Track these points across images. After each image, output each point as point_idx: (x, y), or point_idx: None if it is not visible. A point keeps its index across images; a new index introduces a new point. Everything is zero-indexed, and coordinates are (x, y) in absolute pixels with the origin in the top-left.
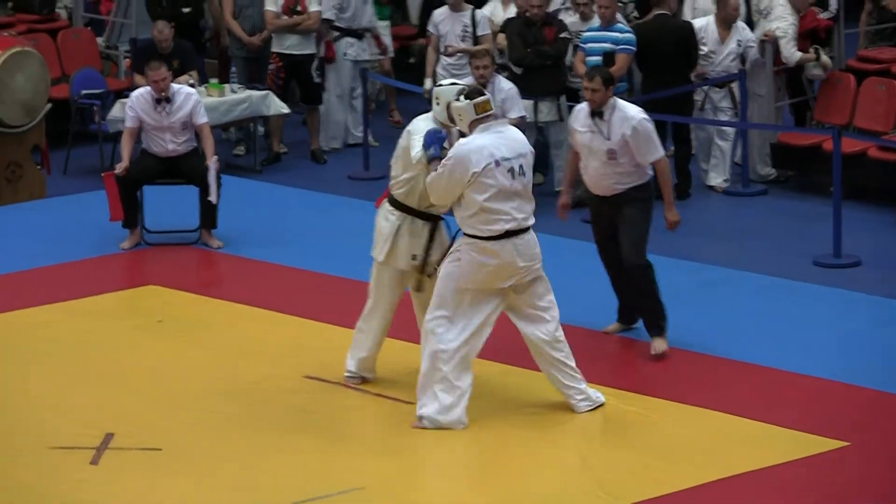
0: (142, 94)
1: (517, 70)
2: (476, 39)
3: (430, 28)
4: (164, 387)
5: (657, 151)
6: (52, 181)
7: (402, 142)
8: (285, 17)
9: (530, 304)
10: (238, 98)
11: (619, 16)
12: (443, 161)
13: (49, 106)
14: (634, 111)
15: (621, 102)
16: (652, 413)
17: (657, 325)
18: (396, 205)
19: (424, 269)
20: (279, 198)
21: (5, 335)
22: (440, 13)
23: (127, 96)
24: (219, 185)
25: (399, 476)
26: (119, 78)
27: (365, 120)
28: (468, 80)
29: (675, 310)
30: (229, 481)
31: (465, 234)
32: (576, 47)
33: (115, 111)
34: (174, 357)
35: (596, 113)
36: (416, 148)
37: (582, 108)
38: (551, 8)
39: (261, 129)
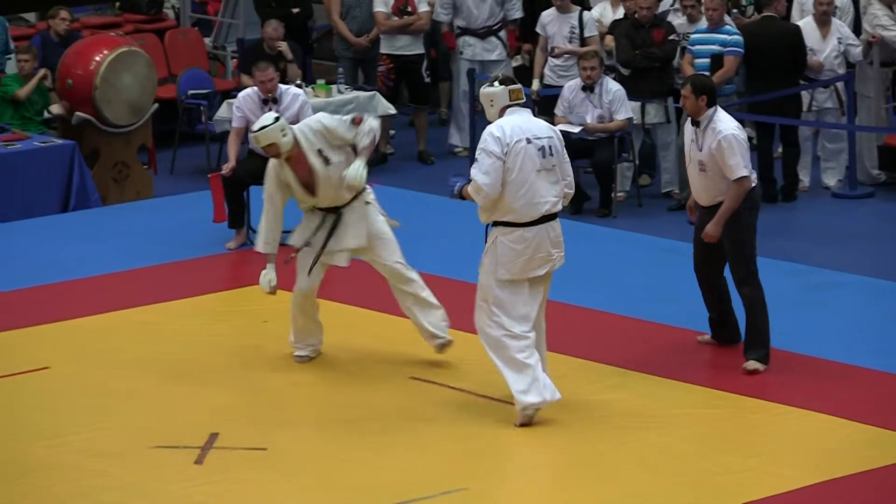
0: (249, 94)
1: (625, 72)
2: (583, 41)
3: (538, 29)
4: (269, 386)
5: (740, 170)
6: (159, 181)
7: None
8: (395, 18)
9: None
10: (345, 99)
11: (727, 18)
12: (478, 152)
13: (156, 106)
14: (727, 125)
15: (720, 114)
16: (753, 414)
17: (757, 350)
18: None
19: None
20: (385, 198)
21: (111, 335)
22: (548, 14)
23: (234, 97)
24: None
25: (502, 477)
26: (226, 78)
27: (471, 120)
28: (576, 82)
29: (781, 313)
30: (332, 481)
31: (496, 223)
32: (683, 49)
33: (222, 111)
34: (279, 358)
35: (695, 122)
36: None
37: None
38: (659, 9)
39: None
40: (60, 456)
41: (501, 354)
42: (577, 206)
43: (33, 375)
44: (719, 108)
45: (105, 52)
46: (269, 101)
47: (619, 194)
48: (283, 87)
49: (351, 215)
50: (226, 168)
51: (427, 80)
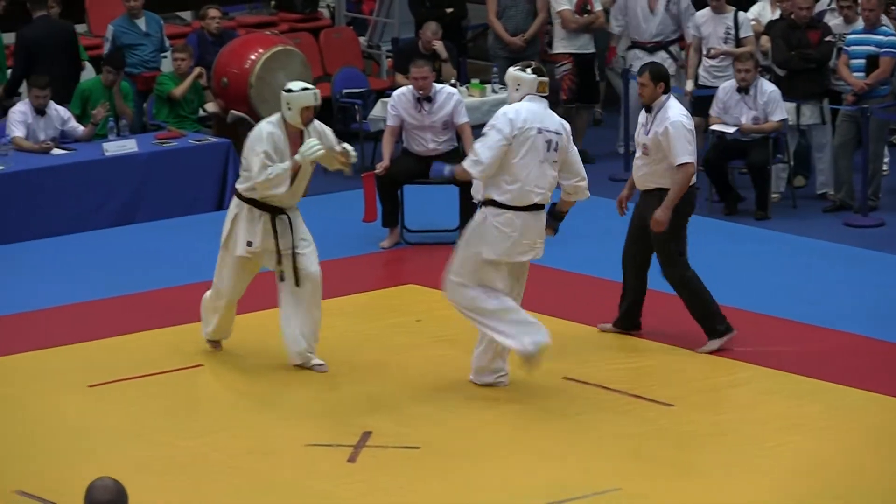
0: (404, 93)
1: (780, 72)
2: (738, 41)
3: (692, 30)
4: (422, 385)
5: (684, 156)
6: (314, 179)
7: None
8: (578, 17)
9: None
10: (499, 98)
11: (883, 18)
12: (487, 125)
13: None
14: (676, 112)
15: (672, 102)
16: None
17: (710, 329)
18: (238, 195)
19: (280, 261)
20: None
21: (265, 335)
22: (702, 15)
23: (388, 96)
24: None
25: (655, 477)
26: (381, 77)
27: (625, 122)
28: (730, 83)
29: None
30: (486, 480)
31: (488, 200)
32: (839, 50)
33: (377, 110)
34: (433, 356)
35: (648, 108)
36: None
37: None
38: (815, 10)
39: None
40: (212, 453)
41: (480, 310)
42: (731, 208)
43: (188, 372)
44: (672, 97)
45: (260, 50)
46: (424, 99)
47: (773, 195)
48: (437, 86)
49: (297, 219)
50: (380, 167)
51: (598, 79)
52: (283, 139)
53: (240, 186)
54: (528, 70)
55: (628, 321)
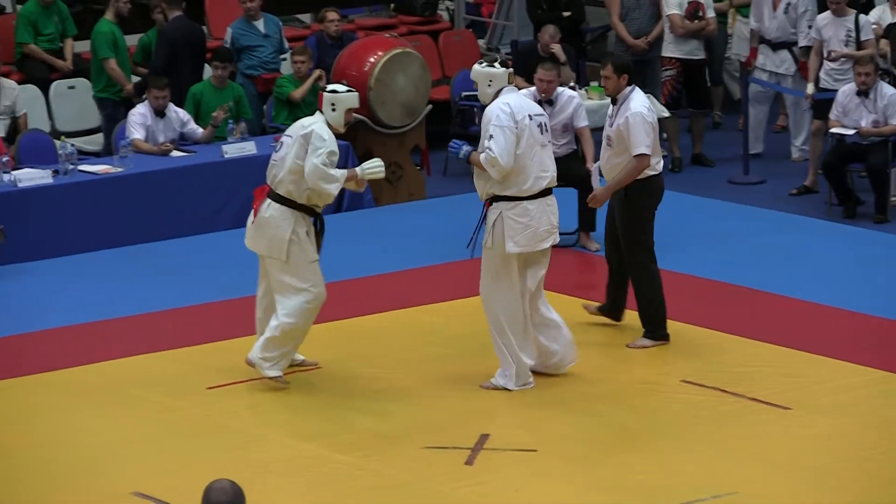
0: (525, 95)
1: None
2: (859, 44)
3: (813, 33)
4: (539, 388)
5: (640, 147)
6: (432, 182)
7: (293, 140)
8: (688, 22)
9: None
10: None
11: None
12: (492, 126)
13: (429, 107)
14: (638, 104)
15: (636, 93)
16: None
17: (651, 329)
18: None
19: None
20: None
21: (387, 334)
22: (823, 18)
23: None
24: None
25: (772, 481)
26: None
27: (745, 126)
28: (850, 87)
29: None
30: (602, 483)
31: (496, 196)
32: None
33: None
34: None
35: (613, 100)
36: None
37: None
38: None
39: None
40: (332, 455)
41: (514, 328)
42: (850, 211)
43: (306, 374)
44: (636, 88)
45: (379, 53)
46: (545, 102)
47: (893, 198)
48: (558, 89)
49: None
50: None
51: (708, 84)
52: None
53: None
54: (497, 64)
55: (613, 307)
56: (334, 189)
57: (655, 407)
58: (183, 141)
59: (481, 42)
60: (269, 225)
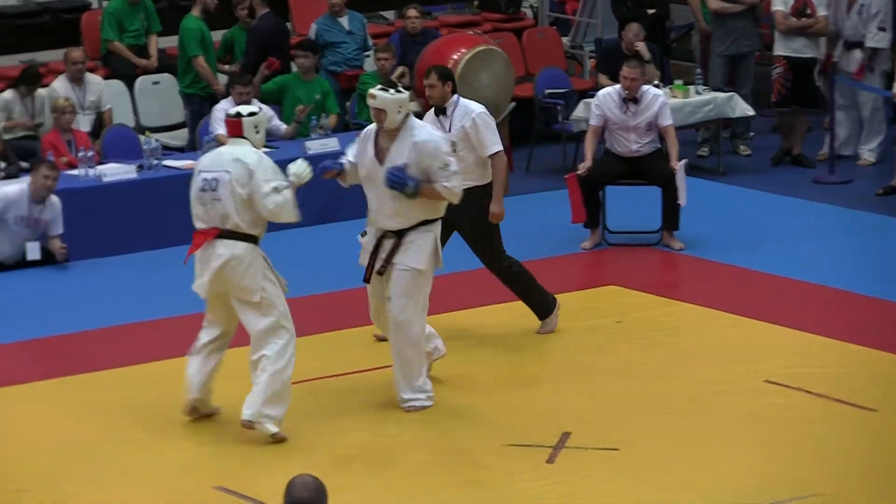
0: (609, 93)
1: None
2: None
3: None
4: (622, 387)
5: (496, 145)
6: (515, 179)
7: (230, 182)
8: (793, 19)
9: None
10: (703, 100)
11: None
12: (441, 153)
13: (513, 105)
14: (476, 106)
15: (464, 100)
16: None
17: (544, 309)
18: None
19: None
20: (742, 200)
21: (468, 330)
22: None
23: (591, 96)
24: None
25: (856, 483)
26: (583, 78)
27: (832, 126)
28: None
29: None
30: (684, 483)
31: (429, 221)
32: None
33: (579, 111)
34: (633, 358)
35: (440, 110)
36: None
37: (430, 112)
38: None
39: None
40: (413, 452)
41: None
42: None
43: (381, 373)
44: (459, 96)
45: (463, 50)
46: (630, 100)
47: None
48: (643, 87)
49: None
50: (582, 168)
51: (818, 83)
52: None
53: None
54: (392, 91)
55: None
56: (295, 214)
57: (738, 407)
58: (267, 137)
59: (565, 40)
60: (240, 265)
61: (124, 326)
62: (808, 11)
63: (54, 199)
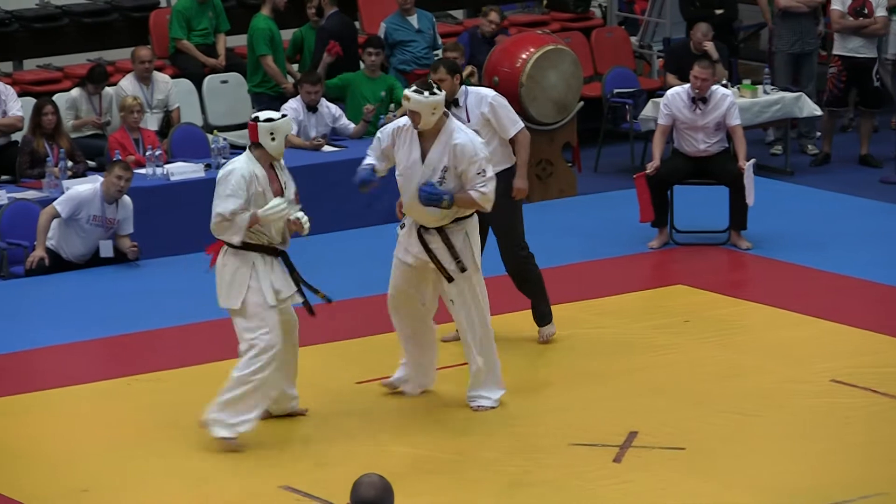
0: (678, 92)
1: None
2: None
3: None
4: (688, 386)
5: (518, 123)
6: (583, 179)
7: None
8: (850, 19)
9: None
10: (771, 99)
11: None
12: (478, 159)
13: (581, 104)
14: (487, 91)
15: (472, 87)
16: None
17: (544, 314)
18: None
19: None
20: (809, 200)
21: (521, 333)
22: None
23: (659, 96)
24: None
25: None
26: (651, 77)
27: None
28: None
29: None
30: (751, 482)
31: (461, 217)
32: None
33: (647, 110)
34: (700, 357)
35: (450, 103)
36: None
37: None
38: None
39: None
40: (480, 452)
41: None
42: None
43: (455, 370)
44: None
45: (531, 49)
46: (699, 99)
47: None
48: (712, 87)
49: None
50: (650, 167)
51: (876, 84)
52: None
53: None
54: (433, 91)
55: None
56: (235, 238)
57: (804, 407)
58: (335, 136)
59: (633, 39)
60: (226, 272)
61: (193, 325)
62: (866, 11)
63: (126, 199)
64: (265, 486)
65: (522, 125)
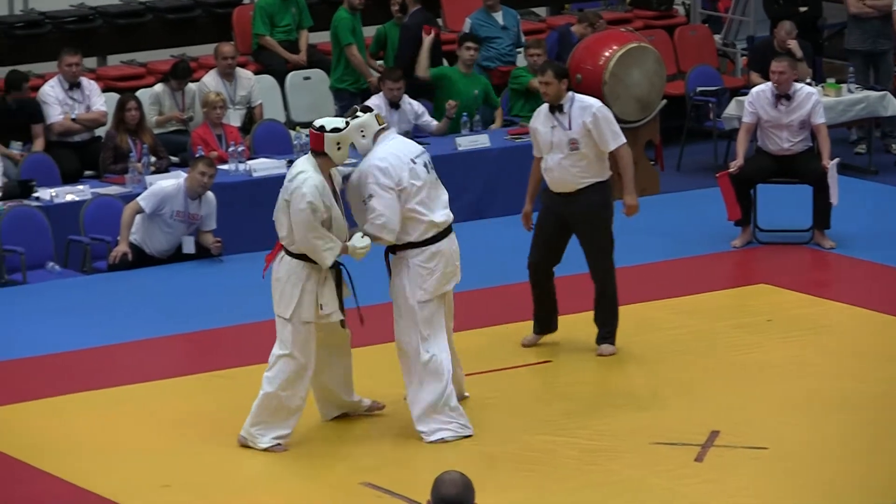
0: (762, 90)
1: None
2: None
3: None
4: (771, 386)
5: (621, 136)
6: (666, 177)
7: (283, 195)
8: None
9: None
10: (855, 98)
11: None
12: (371, 189)
13: (664, 102)
14: (593, 100)
15: (579, 95)
16: None
17: (610, 332)
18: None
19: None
20: (893, 199)
21: (621, 329)
22: None
23: (743, 94)
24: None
25: None
26: (735, 76)
27: None
28: None
29: None
30: (833, 483)
31: (402, 246)
32: None
33: (731, 109)
34: (783, 357)
35: (555, 107)
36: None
37: (542, 109)
38: None
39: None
40: (561, 450)
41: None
42: None
43: (539, 368)
44: (574, 92)
45: (615, 47)
46: (783, 96)
47: None
48: (797, 84)
49: None
50: (734, 166)
51: None
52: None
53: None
54: (359, 114)
55: (547, 328)
56: (327, 260)
57: (889, 407)
58: (417, 133)
59: (717, 37)
60: (280, 281)
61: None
62: None
63: (210, 195)
64: (346, 482)
65: (624, 140)
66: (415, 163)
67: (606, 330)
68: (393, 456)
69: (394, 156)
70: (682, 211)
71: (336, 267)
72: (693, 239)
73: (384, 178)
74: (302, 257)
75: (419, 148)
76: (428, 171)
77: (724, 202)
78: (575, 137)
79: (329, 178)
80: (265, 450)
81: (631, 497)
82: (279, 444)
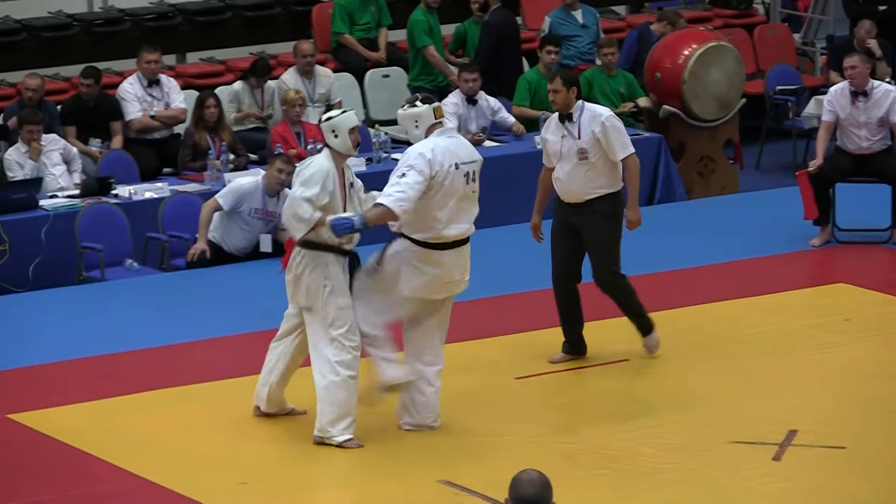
0: (841, 88)
1: None
2: None
3: None
4: (849, 385)
5: (630, 147)
6: (745, 176)
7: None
8: None
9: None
10: None
11: None
12: (403, 164)
13: (743, 101)
14: (603, 109)
15: (589, 104)
16: None
17: (645, 326)
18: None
19: None
20: None
21: (696, 328)
22: None
23: (822, 93)
24: None
25: None
26: (814, 75)
27: None
28: None
29: None
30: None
31: (406, 237)
32: None
33: (810, 108)
34: (861, 356)
35: (564, 116)
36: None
37: (553, 118)
38: None
39: None
40: (640, 448)
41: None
42: None
43: (613, 367)
44: (583, 101)
45: (694, 46)
46: (860, 94)
47: None
48: (875, 82)
49: None
50: (813, 165)
51: None
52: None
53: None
54: (418, 103)
55: (577, 345)
56: (298, 234)
57: None
58: (494, 129)
59: (797, 36)
60: (304, 273)
61: None
62: None
63: (288, 192)
64: (424, 479)
65: (633, 151)
66: (457, 167)
67: (638, 325)
68: (471, 454)
69: (441, 151)
70: (762, 210)
71: (348, 255)
72: (772, 238)
73: (423, 164)
74: (318, 246)
75: (472, 155)
76: (468, 182)
77: (803, 202)
78: (584, 147)
79: (341, 173)
80: (340, 445)
81: (709, 496)
82: (352, 439)
